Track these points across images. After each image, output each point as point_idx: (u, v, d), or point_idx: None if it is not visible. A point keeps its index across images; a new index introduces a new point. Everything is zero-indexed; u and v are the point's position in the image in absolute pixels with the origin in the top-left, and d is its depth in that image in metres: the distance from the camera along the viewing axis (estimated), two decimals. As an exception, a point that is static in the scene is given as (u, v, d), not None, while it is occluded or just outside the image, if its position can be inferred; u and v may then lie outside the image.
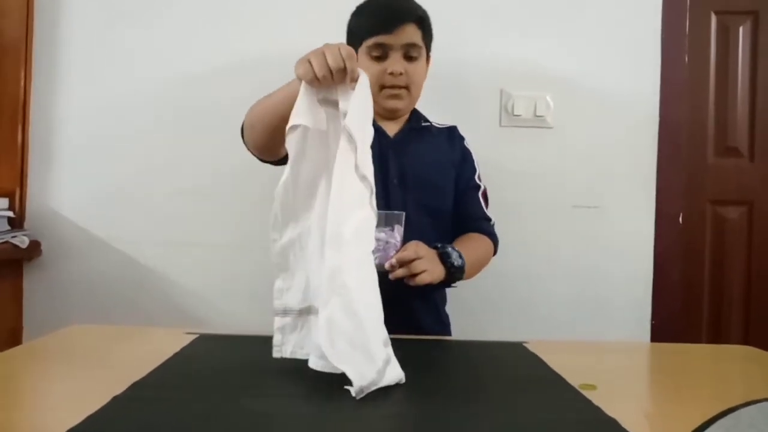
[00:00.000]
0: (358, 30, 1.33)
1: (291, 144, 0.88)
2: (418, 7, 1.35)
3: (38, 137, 1.78)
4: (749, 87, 1.90)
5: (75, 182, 1.78)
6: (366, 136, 0.89)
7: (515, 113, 1.79)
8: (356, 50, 1.35)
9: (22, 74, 1.75)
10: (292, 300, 0.91)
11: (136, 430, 0.65)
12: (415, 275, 1.11)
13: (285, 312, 0.91)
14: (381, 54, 1.30)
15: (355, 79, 0.91)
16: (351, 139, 0.86)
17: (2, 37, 1.76)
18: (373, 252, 1.10)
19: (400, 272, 1.11)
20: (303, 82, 0.91)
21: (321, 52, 0.90)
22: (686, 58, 1.85)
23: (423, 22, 1.34)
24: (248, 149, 1.23)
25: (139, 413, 0.69)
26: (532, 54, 1.80)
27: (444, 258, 1.18)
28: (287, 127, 0.88)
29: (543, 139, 1.81)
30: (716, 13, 1.90)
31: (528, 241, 1.77)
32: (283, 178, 0.88)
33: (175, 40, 1.79)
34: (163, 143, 1.78)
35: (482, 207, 1.41)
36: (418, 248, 1.13)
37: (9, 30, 1.76)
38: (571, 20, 1.81)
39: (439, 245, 1.20)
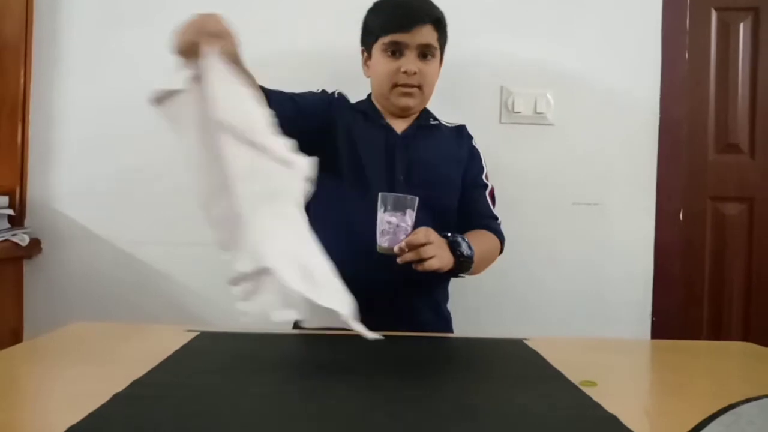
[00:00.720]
0: (375, 27, 1.34)
1: (168, 118, 0.88)
2: (436, 8, 1.34)
3: (38, 135, 1.78)
4: (750, 84, 1.90)
5: (75, 180, 1.78)
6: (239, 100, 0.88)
7: (515, 110, 1.79)
8: (371, 46, 1.35)
9: (22, 72, 1.75)
10: (243, 266, 0.89)
11: (137, 427, 0.65)
12: (423, 260, 1.10)
13: (241, 279, 0.89)
14: (396, 52, 1.31)
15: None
16: (232, 129, 0.86)
17: (2, 34, 1.75)
18: (383, 234, 1.11)
19: (408, 256, 1.10)
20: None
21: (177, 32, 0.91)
22: (687, 55, 1.85)
23: (440, 23, 1.34)
24: None
25: (140, 411, 0.69)
26: (533, 51, 1.79)
27: (454, 247, 1.18)
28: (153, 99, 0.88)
29: (543, 136, 1.80)
30: (717, 9, 1.89)
31: (528, 238, 1.77)
32: (183, 159, 0.88)
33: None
34: (163, 141, 1.77)
35: (489, 205, 1.41)
36: (428, 233, 1.12)
37: (8, 28, 1.75)
38: (572, 17, 1.80)
39: (449, 234, 1.20)
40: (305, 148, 1.37)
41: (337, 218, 1.33)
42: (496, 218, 1.41)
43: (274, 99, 1.19)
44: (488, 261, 1.35)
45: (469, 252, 1.19)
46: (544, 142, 1.80)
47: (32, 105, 1.78)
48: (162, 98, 0.86)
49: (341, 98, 1.41)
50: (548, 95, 1.79)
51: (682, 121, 1.84)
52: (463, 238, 1.20)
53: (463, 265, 1.19)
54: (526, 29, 1.80)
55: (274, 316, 0.87)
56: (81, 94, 1.78)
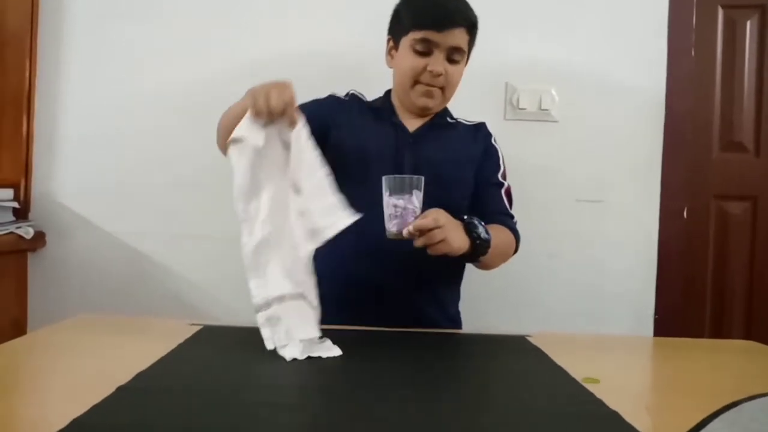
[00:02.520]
0: (408, 19, 1.30)
1: (232, 155, 0.98)
2: (472, 12, 1.32)
3: (43, 128, 1.78)
4: (755, 82, 1.89)
5: (80, 173, 1.78)
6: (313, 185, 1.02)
7: (520, 107, 1.79)
8: (399, 38, 1.31)
9: (27, 65, 1.76)
10: (270, 292, 0.97)
11: (140, 420, 0.65)
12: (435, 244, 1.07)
13: (267, 305, 0.97)
14: (425, 50, 1.27)
15: (293, 124, 1.00)
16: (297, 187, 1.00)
17: (7, 28, 1.76)
18: (391, 219, 1.10)
19: (419, 241, 1.06)
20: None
21: (266, 93, 0.97)
22: (693, 52, 1.84)
23: (473, 27, 1.32)
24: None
25: (144, 404, 0.70)
26: (538, 47, 1.79)
27: (470, 228, 1.14)
28: (228, 140, 0.98)
29: (548, 132, 1.80)
30: (723, 6, 1.88)
31: (531, 235, 1.75)
32: (235, 187, 0.97)
33: (178, 34, 1.78)
34: (167, 135, 1.78)
35: (504, 203, 1.38)
36: (438, 217, 1.07)
37: (14, 21, 1.76)
38: (577, 13, 1.80)
39: (465, 217, 1.17)
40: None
41: None
42: (512, 216, 1.38)
43: None
44: (504, 254, 1.32)
45: (486, 235, 1.16)
46: (548, 138, 1.80)
47: (37, 98, 1.78)
48: (237, 141, 0.98)
49: (352, 98, 1.40)
50: (553, 92, 1.79)
51: (687, 118, 1.83)
52: (480, 221, 1.17)
53: (479, 247, 1.15)
54: (531, 26, 1.79)
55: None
56: (86, 88, 1.78)
